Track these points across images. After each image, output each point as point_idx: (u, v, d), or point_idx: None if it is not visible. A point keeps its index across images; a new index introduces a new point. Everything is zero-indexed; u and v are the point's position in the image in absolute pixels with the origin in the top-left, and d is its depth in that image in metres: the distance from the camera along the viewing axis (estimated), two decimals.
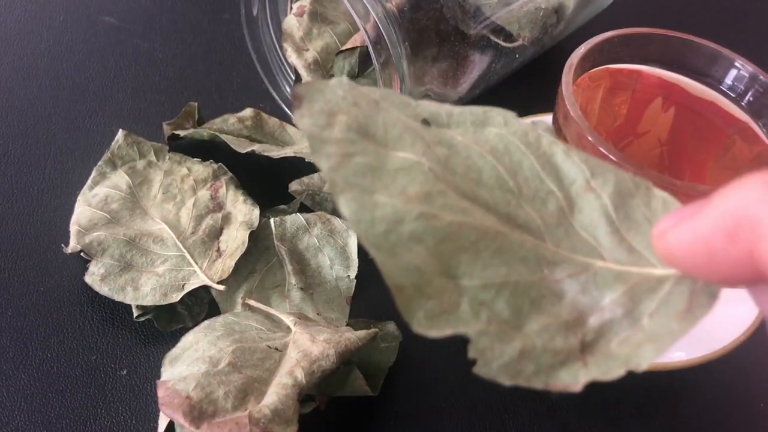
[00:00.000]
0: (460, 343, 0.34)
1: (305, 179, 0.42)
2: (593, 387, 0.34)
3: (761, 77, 0.33)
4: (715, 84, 0.35)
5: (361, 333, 0.32)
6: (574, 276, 0.19)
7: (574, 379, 0.18)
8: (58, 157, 0.44)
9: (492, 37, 0.43)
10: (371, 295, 0.34)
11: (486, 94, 0.46)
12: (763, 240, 0.15)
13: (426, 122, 0.20)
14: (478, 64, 0.43)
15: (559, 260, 0.19)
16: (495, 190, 0.19)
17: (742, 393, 0.36)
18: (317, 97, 0.18)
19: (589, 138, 0.30)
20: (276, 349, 0.32)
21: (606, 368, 0.18)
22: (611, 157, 0.30)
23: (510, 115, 0.21)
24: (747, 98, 0.34)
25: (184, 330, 0.34)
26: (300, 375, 0.29)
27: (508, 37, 0.44)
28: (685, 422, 0.35)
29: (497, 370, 0.18)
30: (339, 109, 0.18)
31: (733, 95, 0.35)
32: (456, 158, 0.19)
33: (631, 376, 0.33)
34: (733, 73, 0.34)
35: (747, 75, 0.34)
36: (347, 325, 0.35)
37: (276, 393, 0.28)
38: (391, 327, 0.36)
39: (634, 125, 0.36)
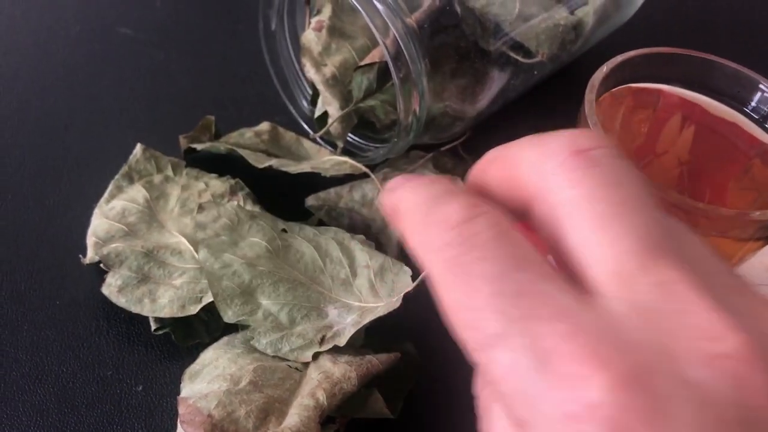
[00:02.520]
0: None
1: (322, 194, 0.42)
2: None
3: None
4: (737, 105, 0.35)
5: (383, 356, 0.32)
6: (337, 308, 0.34)
7: (308, 356, 0.32)
8: (74, 169, 0.44)
9: (511, 54, 0.43)
10: (388, 314, 0.34)
11: (504, 110, 0.46)
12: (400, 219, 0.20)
13: (284, 230, 0.37)
14: (497, 80, 0.42)
15: (333, 300, 0.34)
16: (309, 264, 0.36)
17: None
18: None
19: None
20: (296, 368, 0.31)
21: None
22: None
23: (337, 230, 0.38)
24: None
25: (201, 346, 0.34)
26: (322, 397, 0.29)
27: (527, 53, 0.43)
28: None
29: (264, 345, 0.32)
30: (222, 214, 0.37)
31: (756, 117, 0.34)
32: (291, 247, 0.36)
33: None
34: (757, 95, 0.34)
35: None
36: (363, 344, 0.34)
37: (298, 414, 0.28)
38: (409, 347, 0.36)
39: (654, 144, 0.36)
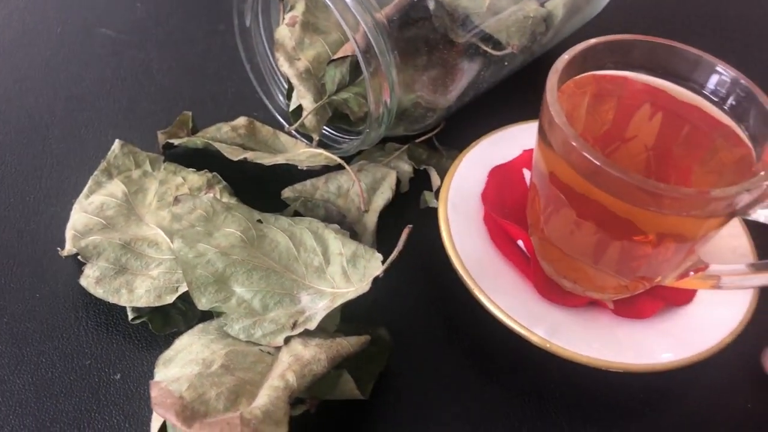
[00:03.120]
0: (449, 348, 0.35)
1: (298, 186, 0.43)
2: (585, 388, 0.35)
3: (742, 81, 0.34)
4: (698, 89, 0.36)
5: (353, 339, 0.32)
6: (310, 294, 0.35)
7: (279, 340, 0.33)
8: (55, 166, 0.45)
9: (481, 46, 0.44)
10: (362, 300, 0.34)
11: (475, 102, 0.47)
12: None
13: (260, 221, 0.37)
14: (468, 72, 0.43)
15: (306, 287, 0.35)
16: (283, 252, 0.36)
17: (730, 393, 0.36)
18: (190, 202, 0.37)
19: (574, 143, 0.31)
20: (268, 353, 0.32)
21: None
22: (596, 162, 0.30)
23: (312, 220, 0.38)
24: (729, 102, 0.35)
25: (178, 334, 0.35)
26: (291, 378, 0.29)
27: (497, 45, 0.44)
28: (673, 423, 0.35)
29: (237, 330, 0.33)
30: (198, 206, 0.37)
31: (716, 99, 0.35)
32: (266, 236, 0.37)
33: (622, 378, 0.33)
34: (715, 78, 0.35)
35: (729, 80, 0.34)
36: (338, 329, 0.35)
37: (267, 395, 0.29)
38: (382, 332, 0.36)
39: (621, 131, 0.37)
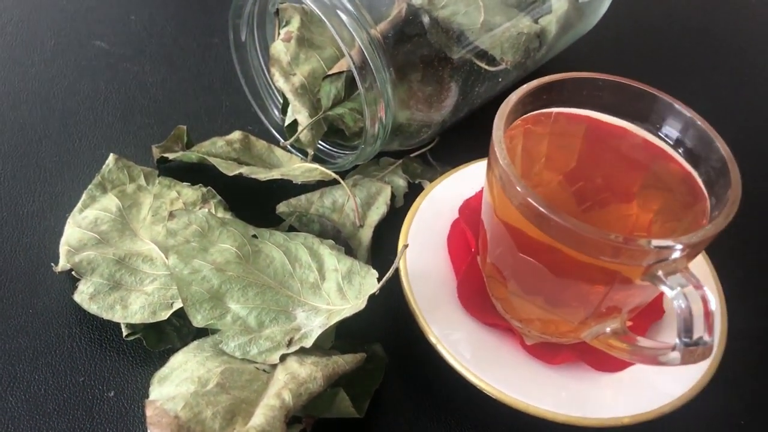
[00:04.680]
0: (444, 364, 0.35)
1: (293, 201, 0.43)
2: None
3: (698, 123, 0.33)
4: (654, 130, 0.35)
5: (349, 357, 0.32)
6: (306, 311, 0.35)
7: (275, 358, 0.32)
8: (48, 180, 0.45)
9: (475, 61, 0.44)
10: (357, 317, 0.34)
11: (470, 117, 0.47)
12: None
13: (255, 236, 0.37)
14: (462, 87, 0.43)
15: (301, 304, 0.35)
16: (278, 268, 0.36)
17: None
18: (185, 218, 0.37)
19: (518, 189, 0.30)
20: (264, 370, 0.32)
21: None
22: (539, 208, 0.29)
23: (307, 235, 0.38)
24: (686, 146, 0.34)
25: (173, 351, 0.35)
26: (287, 397, 0.29)
27: (492, 61, 0.45)
28: None
29: (233, 348, 0.33)
30: (193, 221, 0.37)
31: (671, 142, 0.35)
32: (261, 252, 0.37)
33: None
34: (671, 120, 0.35)
35: (684, 122, 0.34)
36: (333, 346, 0.35)
37: (263, 414, 0.29)
38: (377, 349, 0.36)
39: (555, 164, 0.36)
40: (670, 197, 0.35)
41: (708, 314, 0.29)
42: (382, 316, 0.39)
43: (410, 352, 0.38)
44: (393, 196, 0.44)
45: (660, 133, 0.35)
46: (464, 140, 0.47)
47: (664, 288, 0.29)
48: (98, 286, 0.36)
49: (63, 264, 0.37)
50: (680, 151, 0.34)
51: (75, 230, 0.39)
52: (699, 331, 0.29)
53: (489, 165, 0.33)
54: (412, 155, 0.47)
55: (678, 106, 0.34)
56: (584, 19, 0.52)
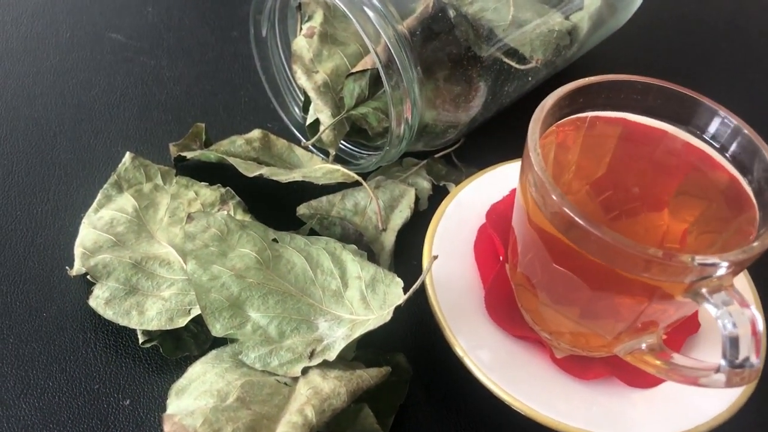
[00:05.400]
0: (468, 377, 0.33)
1: (313, 203, 0.41)
2: None
3: (745, 131, 0.32)
4: (698, 134, 0.34)
5: (374, 371, 0.31)
6: (328, 320, 0.34)
7: (297, 370, 0.31)
8: (63, 178, 0.43)
9: (505, 60, 0.42)
10: (380, 326, 0.33)
11: (498, 117, 0.46)
12: None
13: (275, 240, 0.36)
14: (491, 87, 0.42)
15: (324, 313, 0.34)
16: (300, 275, 0.35)
17: None
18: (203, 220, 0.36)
19: (554, 197, 0.28)
20: (285, 383, 0.31)
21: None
22: (574, 218, 0.28)
23: (329, 239, 0.37)
24: (732, 151, 0.33)
25: (189, 359, 0.34)
26: (310, 414, 0.28)
27: (521, 59, 0.43)
28: None
29: (253, 359, 0.32)
30: (212, 224, 0.36)
31: (717, 146, 0.33)
32: (282, 257, 0.35)
33: None
34: (716, 124, 0.33)
35: (731, 128, 0.32)
36: (355, 357, 0.34)
37: None
38: (401, 360, 0.35)
39: (616, 176, 0.35)
40: (709, 206, 0.33)
41: (755, 334, 0.27)
42: (405, 325, 0.38)
43: (435, 364, 0.36)
44: (417, 199, 0.43)
45: (704, 137, 0.33)
46: (491, 141, 0.46)
47: (708, 306, 0.28)
48: (114, 290, 0.35)
49: (78, 267, 0.36)
50: (726, 156, 0.32)
51: (90, 231, 0.38)
52: (745, 351, 0.27)
53: (522, 170, 0.32)
54: (436, 156, 0.46)
55: (723, 111, 0.32)
56: (616, 15, 0.50)
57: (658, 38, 0.60)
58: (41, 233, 0.40)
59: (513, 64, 0.43)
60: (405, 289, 0.33)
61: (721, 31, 0.62)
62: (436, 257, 0.33)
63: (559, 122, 0.33)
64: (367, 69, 0.41)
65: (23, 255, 0.39)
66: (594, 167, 0.35)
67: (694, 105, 0.33)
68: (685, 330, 0.36)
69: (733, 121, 0.32)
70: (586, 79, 0.33)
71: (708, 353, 0.35)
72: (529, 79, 0.45)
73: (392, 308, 0.32)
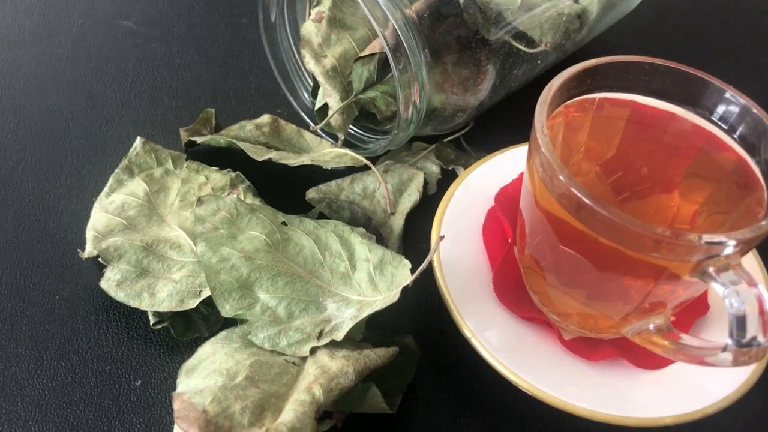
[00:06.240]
0: (476, 359, 0.33)
1: (322, 187, 0.42)
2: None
3: (754, 110, 0.31)
4: (706, 115, 0.33)
5: (381, 351, 0.31)
6: (336, 302, 0.34)
7: (305, 350, 0.32)
8: (75, 163, 0.44)
9: (513, 43, 0.42)
10: (388, 307, 0.33)
11: (507, 101, 0.45)
12: None
13: (284, 223, 0.36)
14: (499, 70, 0.42)
15: (332, 294, 0.34)
16: (308, 257, 0.35)
17: None
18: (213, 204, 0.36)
19: (561, 178, 0.28)
20: (293, 363, 0.31)
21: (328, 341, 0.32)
22: (582, 198, 0.28)
23: (337, 223, 0.37)
24: (739, 132, 0.32)
25: (200, 340, 0.34)
26: (318, 392, 0.28)
27: (530, 42, 0.43)
28: None
29: (262, 339, 0.32)
30: (222, 207, 0.36)
31: (725, 128, 0.33)
32: (291, 240, 0.36)
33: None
34: (724, 105, 0.33)
35: (739, 108, 0.32)
36: (363, 338, 0.34)
37: (293, 410, 0.28)
38: (409, 341, 0.35)
39: (625, 157, 0.35)
40: (718, 187, 0.33)
41: (763, 313, 0.27)
42: (414, 306, 0.38)
43: (443, 345, 0.37)
44: (426, 183, 0.43)
45: (712, 118, 0.33)
46: (500, 125, 0.45)
47: (715, 285, 0.28)
48: (125, 273, 0.36)
49: (90, 250, 0.37)
50: (734, 137, 0.32)
51: (102, 215, 0.38)
52: (752, 331, 0.27)
53: (530, 152, 0.32)
54: (445, 140, 0.46)
55: (731, 92, 0.32)
56: None
57: (668, 22, 0.59)
58: (54, 217, 0.41)
59: (522, 47, 0.42)
60: (412, 271, 0.33)
61: (732, 14, 0.61)
62: (442, 237, 0.33)
63: (566, 103, 0.33)
64: (376, 53, 0.41)
65: (36, 239, 0.40)
66: (603, 148, 0.35)
67: (702, 84, 0.33)
68: (694, 311, 0.36)
69: (742, 100, 0.32)
70: (594, 60, 0.33)
71: (717, 334, 0.35)
72: (539, 62, 0.45)
73: (399, 289, 0.32)
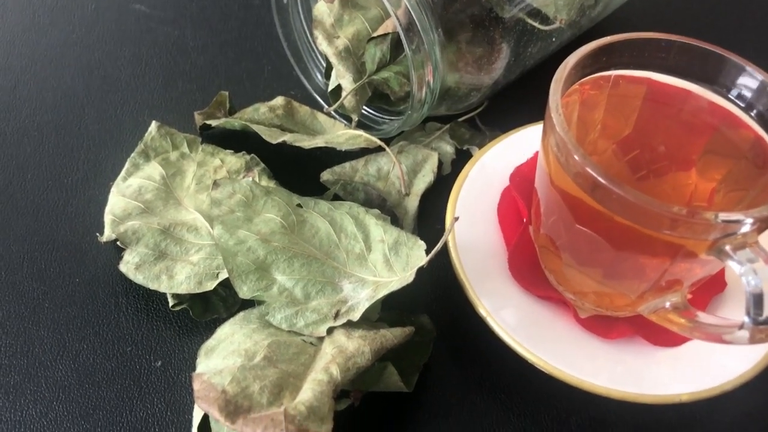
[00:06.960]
0: (491, 338, 0.34)
1: (337, 168, 0.42)
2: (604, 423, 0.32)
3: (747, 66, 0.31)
4: (724, 93, 0.33)
5: (397, 331, 0.32)
6: (352, 282, 0.34)
7: (322, 330, 0.32)
8: (91, 148, 0.44)
9: (528, 20, 0.42)
10: (404, 288, 0.33)
11: (522, 79, 0.45)
12: None
13: (299, 206, 0.36)
14: (514, 48, 0.42)
15: (348, 275, 0.34)
16: (324, 239, 0.35)
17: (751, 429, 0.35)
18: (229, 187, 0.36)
19: (576, 157, 0.28)
20: (311, 343, 0.31)
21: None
22: (597, 177, 0.28)
23: (352, 204, 0.37)
24: (757, 109, 0.32)
25: (218, 321, 0.34)
26: (335, 371, 0.29)
27: (545, 19, 0.42)
28: None
29: (279, 320, 0.33)
30: (237, 190, 0.36)
31: (742, 105, 0.32)
32: (306, 222, 0.36)
33: (641, 411, 0.30)
34: (742, 81, 0.32)
35: (758, 84, 0.32)
36: (380, 318, 0.34)
37: (311, 389, 0.28)
38: (425, 321, 0.35)
39: (642, 135, 0.34)
40: (736, 165, 0.33)
41: None
42: (430, 287, 0.38)
43: (459, 324, 0.37)
44: (440, 163, 0.43)
45: (729, 96, 0.33)
46: (515, 103, 0.45)
47: (731, 263, 0.28)
48: (144, 256, 0.36)
49: (108, 234, 0.37)
50: (752, 114, 0.32)
51: (119, 199, 0.39)
52: None
53: (544, 131, 0.32)
54: (459, 120, 0.45)
55: (750, 68, 0.32)
56: None
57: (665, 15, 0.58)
58: (72, 202, 0.41)
59: (536, 24, 0.42)
60: (427, 252, 0.33)
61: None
62: (457, 218, 0.33)
63: (582, 81, 0.33)
64: (388, 33, 0.41)
65: (55, 223, 0.40)
66: (620, 126, 0.34)
67: (719, 61, 0.32)
68: (711, 289, 0.36)
69: (760, 76, 0.31)
70: (609, 37, 0.33)
71: (734, 312, 0.35)
72: (553, 39, 0.44)
73: (415, 270, 0.32)
